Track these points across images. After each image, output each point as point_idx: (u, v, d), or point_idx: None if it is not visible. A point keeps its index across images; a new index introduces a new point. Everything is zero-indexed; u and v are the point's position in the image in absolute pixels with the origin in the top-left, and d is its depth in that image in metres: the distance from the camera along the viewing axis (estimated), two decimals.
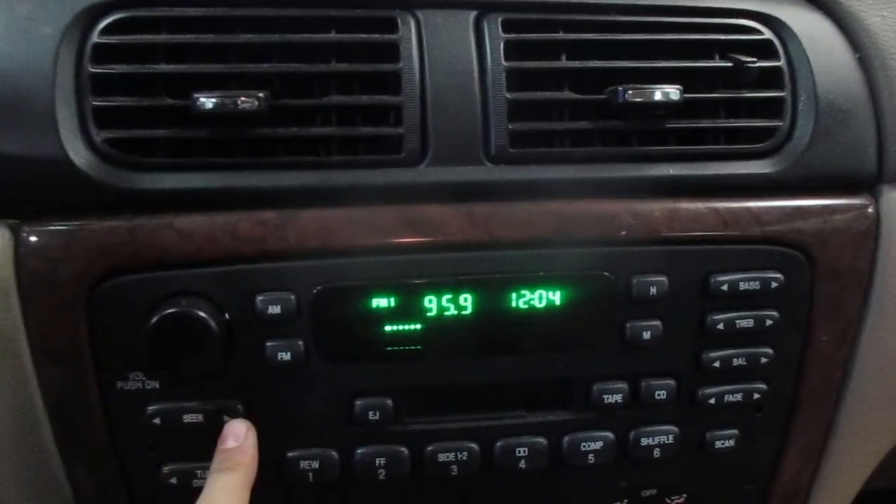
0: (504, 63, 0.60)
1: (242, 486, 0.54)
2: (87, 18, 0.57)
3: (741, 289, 0.62)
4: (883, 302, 0.66)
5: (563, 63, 0.61)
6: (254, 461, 0.56)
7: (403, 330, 0.59)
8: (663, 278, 0.61)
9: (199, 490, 0.53)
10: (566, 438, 0.64)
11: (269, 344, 0.58)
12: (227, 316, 0.57)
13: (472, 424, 0.63)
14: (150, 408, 0.59)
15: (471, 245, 0.59)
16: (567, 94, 0.61)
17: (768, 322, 0.63)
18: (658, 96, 0.60)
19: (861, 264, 0.64)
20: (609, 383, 0.63)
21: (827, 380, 0.67)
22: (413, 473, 0.62)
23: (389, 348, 0.60)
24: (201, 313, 0.55)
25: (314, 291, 0.58)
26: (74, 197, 0.56)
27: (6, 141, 0.55)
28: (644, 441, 0.65)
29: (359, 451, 0.61)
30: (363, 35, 0.59)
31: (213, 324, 0.55)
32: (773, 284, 0.62)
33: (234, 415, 0.59)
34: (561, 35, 0.62)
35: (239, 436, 0.57)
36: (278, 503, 0.63)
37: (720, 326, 0.62)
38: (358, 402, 0.60)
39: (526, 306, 0.60)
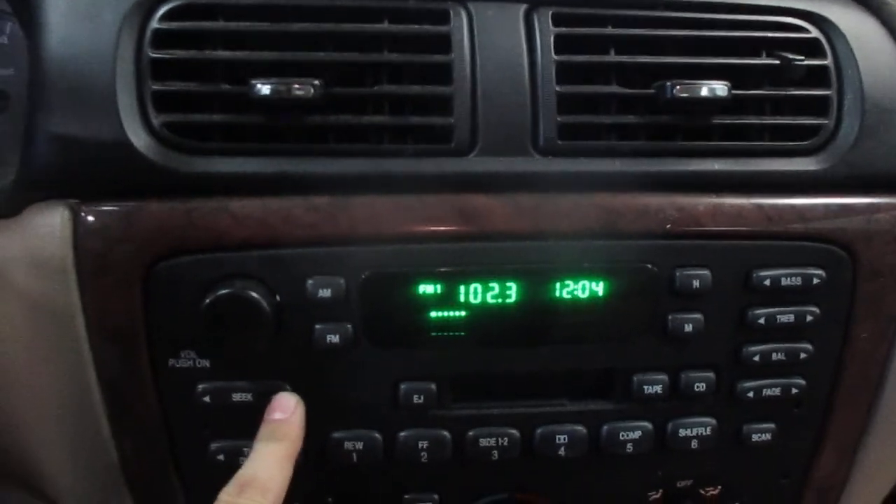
0: (554, 56, 0.61)
1: (288, 456, 0.55)
2: (147, 5, 0.58)
3: (783, 284, 0.62)
4: None
5: (612, 57, 0.62)
6: (300, 435, 0.57)
7: (449, 317, 0.60)
8: (706, 272, 0.61)
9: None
10: (605, 428, 0.65)
11: (318, 327, 0.59)
12: (278, 298, 0.58)
13: (514, 411, 0.64)
14: (200, 386, 0.60)
15: (517, 235, 0.60)
16: (615, 89, 0.62)
17: (808, 318, 0.64)
18: (705, 92, 0.60)
19: None
20: (649, 374, 0.64)
21: (865, 377, 0.68)
22: (454, 457, 0.63)
23: (435, 334, 0.61)
24: (254, 294, 0.56)
25: (363, 276, 0.59)
26: (133, 179, 0.57)
27: (68, 123, 0.56)
28: (682, 432, 0.65)
29: (402, 433, 0.62)
30: (416, 26, 0.60)
31: (264, 305, 0.57)
32: (815, 281, 0.63)
33: None
34: (610, 30, 0.62)
35: (287, 408, 0.58)
36: (322, 482, 0.64)
37: (761, 321, 0.63)
38: (403, 386, 0.61)
39: (569, 296, 0.61)
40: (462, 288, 0.60)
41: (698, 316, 0.62)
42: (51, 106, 0.56)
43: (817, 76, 0.64)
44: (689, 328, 0.62)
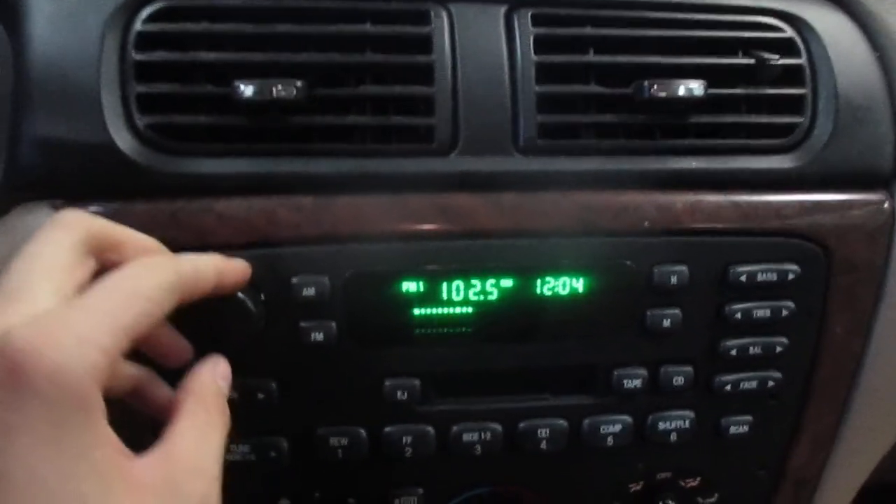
0: (533, 57, 0.61)
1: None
2: (131, 7, 0.58)
3: (759, 280, 0.64)
4: None
5: (591, 57, 0.63)
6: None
7: (432, 314, 0.61)
8: (684, 268, 0.62)
9: (229, 463, 0.55)
10: (586, 421, 0.66)
11: (303, 324, 0.60)
12: (263, 297, 0.59)
13: (497, 406, 0.65)
14: None
15: (499, 233, 0.61)
16: (594, 88, 0.62)
17: (784, 312, 0.65)
18: (682, 91, 0.61)
19: (876, 258, 0.66)
20: (629, 369, 0.65)
21: (840, 370, 0.69)
22: (438, 452, 0.64)
23: (419, 331, 0.62)
24: (240, 294, 0.57)
25: (347, 275, 0.60)
26: (117, 180, 0.57)
27: (53, 125, 0.57)
28: (661, 425, 0.67)
29: (387, 429, 0.63)
30: (397, 27, 0.61)
31: (250, 304, 0.57)
32: (790, 276, 0.64)
33: (269, 392, 0.61)
34: (589, 30, 0.63)
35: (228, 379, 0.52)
36: (309, 478, 0.65)
37: (737, 316, 0.64)
38: (387, 383, 0.62)
39: (550, 293, 0.62)
40: (445, 286, 0.61)
41: (676, 311, 0.63)
42: (35, 108, 0.57)
43: (792, 75, 0.65)
44: (667, 323, 0.63)
